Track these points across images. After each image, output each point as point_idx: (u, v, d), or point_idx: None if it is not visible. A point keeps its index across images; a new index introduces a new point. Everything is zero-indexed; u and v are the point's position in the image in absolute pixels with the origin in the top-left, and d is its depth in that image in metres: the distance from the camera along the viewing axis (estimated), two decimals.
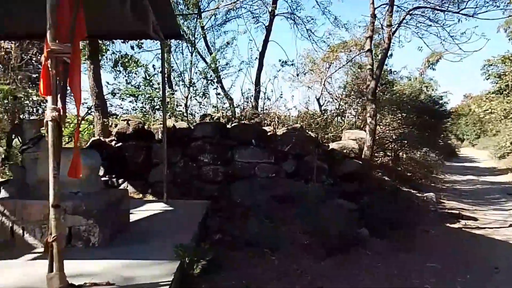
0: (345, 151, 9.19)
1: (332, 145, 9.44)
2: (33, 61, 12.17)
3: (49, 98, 3.22)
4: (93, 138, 8.33)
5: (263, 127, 9.05)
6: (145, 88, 12.71)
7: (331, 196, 7.87)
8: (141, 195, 7.82)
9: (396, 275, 5.21)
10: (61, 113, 3.18)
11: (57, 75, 3.23)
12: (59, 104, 3.20)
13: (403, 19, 12.01)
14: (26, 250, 4.21)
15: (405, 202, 9.12)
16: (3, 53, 11.21)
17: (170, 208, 6.65)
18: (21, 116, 11.79)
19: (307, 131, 9.78)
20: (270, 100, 12.02)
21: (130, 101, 13.18)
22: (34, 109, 13.13)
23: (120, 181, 7.94)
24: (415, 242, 6.72)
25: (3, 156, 10.80)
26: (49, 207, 4.30)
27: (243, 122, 9.34)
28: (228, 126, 8.67)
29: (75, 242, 4.36)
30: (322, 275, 5.04)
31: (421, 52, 16.26)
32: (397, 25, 11.92)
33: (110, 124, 9.07)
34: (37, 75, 12.32)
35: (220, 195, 7.73)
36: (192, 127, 8.48)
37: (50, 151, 3.21)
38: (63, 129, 3.43)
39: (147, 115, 11.29)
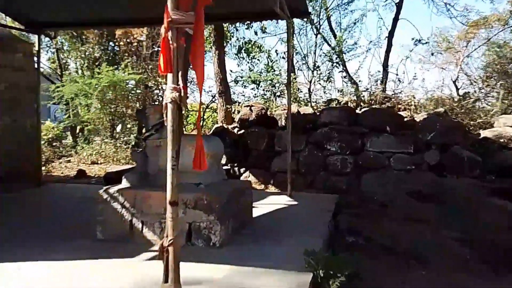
0: (501, 140, 7.47)
1: (484, 133, 7.79)
2: None
3: (169, 76, 2.74)
4: (216, 125, 8.13)
5: (398, 112, 7.81)
6: (267, 74, 12.38)
7: (486, 195, 6.39)
8: (263, 186, 7.35)
9: None
10: (182, 94, 2.67)
11: (178, 49, 2.73)
12: (180, 83, 2.69)
13: None
14: (144, 247, 3.90)
15: None
16: (135, 43, 11.83)
17: (295, 202, 6.00)
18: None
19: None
20: (402, 82, 10.56)
21: (252, 88, 13.05)
22: (163, 98, 13.78)
23: (242, 170, 7.58)
24: None
25: (133, 143, 11.49)
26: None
27: (373, 107, 8.21)
28: (358, 111, 7.65)
29: (195, 240, 3.94)
30: None
31: None
32: None
33: (233, 110, 8.81)
34: None
35: (349, 188, 6.84)
36: (318, 113, 7.68)
37: (169, 138, 2.75)
38: (185, 113, 2.95)
39: (268, 102, 10.88)
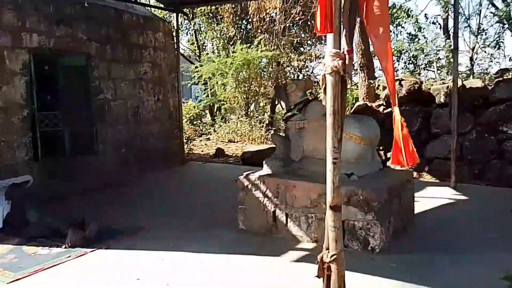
0: None
1: None
2: (296, 24, 12.03)
3: (329, 38, 2.06)
4: (358, 103, 7.19)
5: None
6: (410, 44, 10.86)
7: None
8: (415, 174, 6.23)
9: None
10: (347, 62, 1.96)
11: (341, 2, 2.03)
12: (344, 47, 1.98)
13: None
14: (290, 244, 3.42)
15: None
16: (268, 19, 11.42)
17: (463, 197, 4.85)
18: (282, 83, 11.96)
19: None
20: None
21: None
22: (295, 75, 13.30)
23: (389, 154, 6.56)
24: None
25: (266, 122, 11.23)
26: (317, 191, 3.40)
27: None
28: None
29: (350, 242, 3.26)
30: None
31: None
32: None
33: (376, 86, 7.75)
34: (298, 39, 12.22)
35: None
36: (490, 87, 6.16)
37: (329, 122, 2.07)
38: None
39: (413, 75, 9.44)
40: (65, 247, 3.51)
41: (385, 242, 3.21)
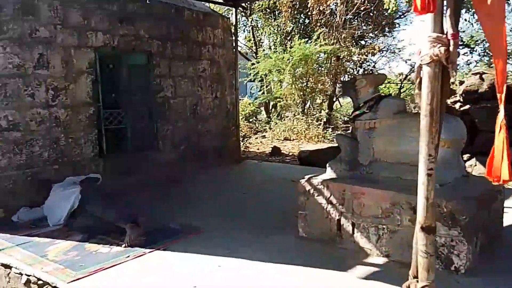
0: None
1: None
2: (358, 16, 11.46)
3: (427, 19, 1.73)
4: None
5: None
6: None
7: None
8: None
9: None
10: (452, 49, 1.63)
11: None
12: (449, 31, 1.65)
13: None
14: (356, 257, 3.10)
15: None
16: (327, 11, 10.95)
17: None
18: (341, 78, 11.47)
19: None
20: None
21: (464, 53, 10.81)
22: (355, 70, 12.73)
23: (465, 156, 5.96)
24: None
25: (324, 120, 10.80)
26: (389, 200, 3.05)
27: None
28: None
29: None
30: None
31: None
32: None
33: (452, 80, 7.08)
34: (359, 31, 11.65)
35: None
36: None
37: (424, 123, 1.76)
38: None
39: (491, 66, 8.59)
40: (125, 246, 3.47)
41: (471, 261, 2.79)
